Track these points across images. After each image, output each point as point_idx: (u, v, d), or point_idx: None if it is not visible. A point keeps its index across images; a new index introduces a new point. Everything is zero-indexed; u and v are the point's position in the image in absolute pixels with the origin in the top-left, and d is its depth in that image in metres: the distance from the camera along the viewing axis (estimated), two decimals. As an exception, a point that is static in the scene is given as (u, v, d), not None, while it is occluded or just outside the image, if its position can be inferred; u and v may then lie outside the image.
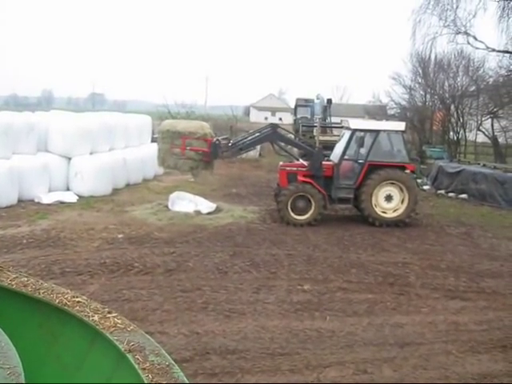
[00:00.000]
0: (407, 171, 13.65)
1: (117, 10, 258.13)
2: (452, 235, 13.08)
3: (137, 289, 8.18)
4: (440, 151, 26.53)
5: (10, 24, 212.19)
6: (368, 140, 13.58)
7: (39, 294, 2.02)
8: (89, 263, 9.22)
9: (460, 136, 29.46)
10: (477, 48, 26.19)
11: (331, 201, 13.69)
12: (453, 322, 7.53)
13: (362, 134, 13.60)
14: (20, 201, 13.92)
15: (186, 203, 14.28)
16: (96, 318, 1.75)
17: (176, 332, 6.71)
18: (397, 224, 13.41)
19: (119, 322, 1.74)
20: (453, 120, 29.71)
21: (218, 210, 14.31)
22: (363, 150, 13.61)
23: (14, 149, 14.23)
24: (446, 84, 30.38)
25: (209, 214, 13.91)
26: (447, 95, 30.07)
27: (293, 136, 15.50)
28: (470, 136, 30.08)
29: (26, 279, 2.12)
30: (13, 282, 2.11)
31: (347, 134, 14.17)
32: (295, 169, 13.86)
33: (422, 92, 31.94)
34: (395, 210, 13.55)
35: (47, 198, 14.36)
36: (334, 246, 11.40)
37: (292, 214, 13.18)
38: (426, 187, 20.86)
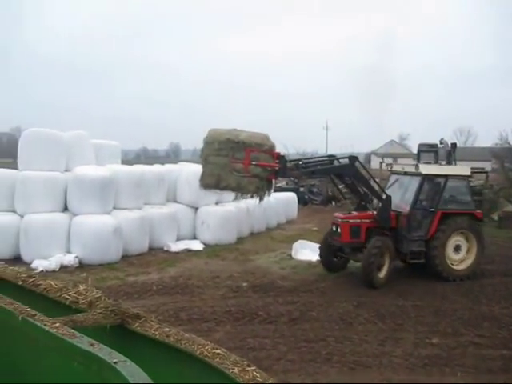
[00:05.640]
0: (474, 219, 12.71)
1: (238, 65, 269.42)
2: None
3: (261, 337, 8.27)
4: None
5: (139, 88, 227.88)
6: (438, 186, 12.60)
7: (181, 344, 2.12)
8: (214, 311, 9.47)
9: None
10: None
11: (402, 255, 12.37)
12: None
13: (432, 179, 12.66)
14: (150, 249, 14.68)
15: (309, 252, 14.30)
16: (236, 370, 1.80)
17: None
18: (462, 278, 12.28)
19: (258, 375, 1.78)
20: None
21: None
22: (434, 197, 12.58)
23: (146, 199, 15.14)
24: None
25: (331, 262, 13.76)
26: None
27: (368, 174, 13.44)
28: None
29: (168, 329, 2.25)
30: (156, 332, 2.24)
31: (412, 180, 12.92)
32: (359, 220, 12.18)
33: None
34: (462, 261, 12.57)
35: (175, 247, 15.03)
36: (463, 297, 10.87)
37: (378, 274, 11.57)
38: None
